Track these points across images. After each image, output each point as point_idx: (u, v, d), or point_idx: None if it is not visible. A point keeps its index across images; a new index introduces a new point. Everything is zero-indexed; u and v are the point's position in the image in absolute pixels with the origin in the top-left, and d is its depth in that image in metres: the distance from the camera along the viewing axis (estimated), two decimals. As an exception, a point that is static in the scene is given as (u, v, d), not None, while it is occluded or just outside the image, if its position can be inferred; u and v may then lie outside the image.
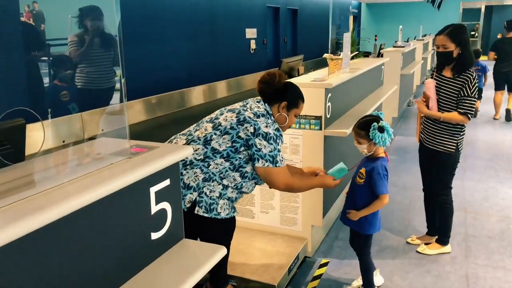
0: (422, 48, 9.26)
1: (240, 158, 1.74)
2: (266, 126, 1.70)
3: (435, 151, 2.73)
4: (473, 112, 2.59)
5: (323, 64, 3.92)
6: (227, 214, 1.76)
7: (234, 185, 1.78)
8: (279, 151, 1.75)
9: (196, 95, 5.10)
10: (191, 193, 1.68)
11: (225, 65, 6.80)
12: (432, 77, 2.76)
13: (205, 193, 1.69)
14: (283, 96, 1.83)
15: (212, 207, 1.70)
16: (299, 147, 2.75)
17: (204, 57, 5.60)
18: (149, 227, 1.22)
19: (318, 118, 2.63)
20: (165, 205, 1.27)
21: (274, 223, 2.91)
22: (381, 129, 2.07)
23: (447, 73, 2.67)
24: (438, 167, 2.75)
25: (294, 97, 1.87)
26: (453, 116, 2.59)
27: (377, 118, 2.15)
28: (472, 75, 2.57)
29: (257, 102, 1.83)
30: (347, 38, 3.20)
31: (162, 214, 1.26)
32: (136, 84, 4.23)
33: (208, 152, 1.71)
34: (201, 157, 1.72)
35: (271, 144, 1.71)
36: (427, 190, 2.95)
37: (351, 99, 3.40)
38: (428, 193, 2.93)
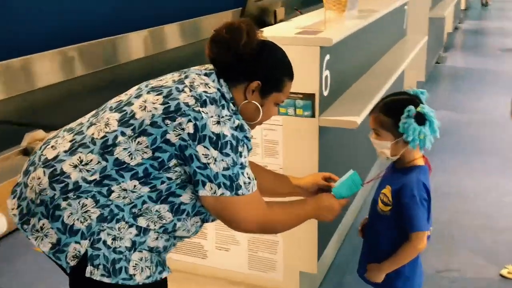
0: (457, -21, 9.49)
1: (169, 179, 1.59)
2: (218, 123, 1.58)
3: None
4: None
5: (315, 1, 3.81)
6: (149, 277, 1.63)
7: (161, 227, 1.64)
8: (242, 167, 1.61)
9: (133, 45, 4.99)
10: (77, 242, 1.57)
11: (172, 2, 6.57)
12: None
13: (104, 242, 1.57)
14: (254, 71, 1.70)
15: (117, 266, 1.58)
16: (277, 145, 2.59)
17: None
18: None
19: (309, 97, 2.46)
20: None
21: (238, 267, 2.84)
22: (421, 119, 1.95)
23: None
24: None
25: (274, 72, 1.73)
26: None
27: (414, 99, 2.04)
28: None
29: (206, 75, 1.70)
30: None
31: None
32: (39, 29, 4.04)
33: (109, 169, 1.58)
34: (96, 177, 1.57)
35: (228, 155, 1.57)
36: None
37: (360, 62, 3.32)
38: None
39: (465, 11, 13.48)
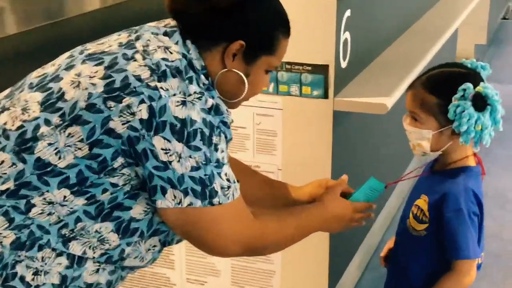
0: None
1: (114, 186, 1.52)
2: (184, 104, 1.46)
3: None
4: None
5: None
6: None
7: (103, 255, 1.55)
8: (219, 165, 1.51)
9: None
10: None
11: None
12: None
13: (21, 279, 1.48)
14: (234, 26, 1.58)
15: None
16: (275, 137, 2.45)
17: None
18: None
19: (321, 70, 2.34)
20: None
21: None
22: (481, 102, 1.86)
23: None
24: None
25: (264, 26, 1.61)
26: None
27: (472, 74, 1.95)
28: None
29: (166, 35, 1.58)
30: None
31: None
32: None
33: (28, 173, 1.49)
34: (9, 185, 1.50)
35: (198, 149, 1.46)
36: None
37: (396, 21, 3.23)
38: None
39: None
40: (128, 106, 1.45)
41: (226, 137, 1.55)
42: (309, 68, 2.32)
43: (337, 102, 2.34)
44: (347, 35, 2.40)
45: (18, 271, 1.46)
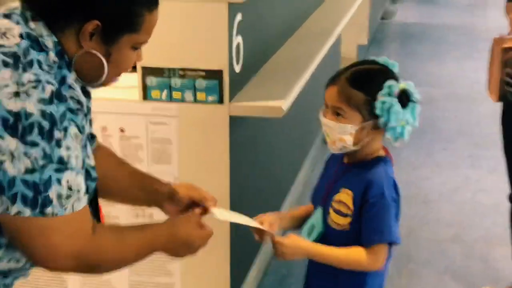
0: None
1: None
2: (17, 95, 1.36)
3: None
4: None
5: None
6: None
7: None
8: (62, 167, 1.41)
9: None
10: None
11: None
12: None
13: None
14: (85, 6, 1.47)
15: None
16: (171, 145, 2.42)
17: None
18: None
19: (215, 75, 2.34)
20: None
21: None
22: (406, 99, 1.91)
23: None
24: None
25: (119, 4, 1.51)
26: None
27: (386, 70, 1.99)
28: None
29: (5, 16, 1.48)
30: None
31: None
32: None
33: None
34: None
35: (34, 144, 1.35)
36: None
37: (283, 24, 3.20)
38: None
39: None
40: None
41: (78, 127, 1.45)
42: (203, 73, 2.28)
43: (232, 107, 2.32)
44: (239, 39, 2.37)
45: None
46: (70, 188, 1.37)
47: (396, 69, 1.98)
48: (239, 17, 2.34)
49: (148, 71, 2.31)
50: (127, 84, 2.32)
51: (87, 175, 1.50)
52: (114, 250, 1.56)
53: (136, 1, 1.48)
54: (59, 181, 1.36)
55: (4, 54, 1.35)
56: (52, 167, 1.35)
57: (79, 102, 1.43)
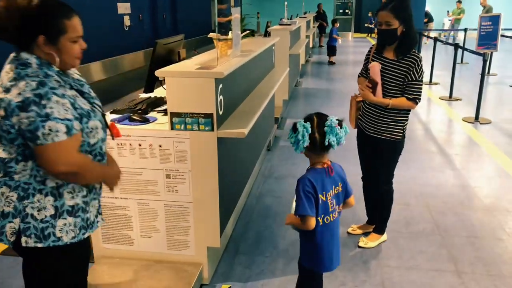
0: (306, 25, 9.58)
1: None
2: (19, 93, 1.40)
3: (380, 140, 2.65)
4: (420, 97, 2.51)
5: (206, 42, 3.60)
6: (74, 238, 1.53)
7: (63, 183, 1.50)
8: (46, 116, 1.39)
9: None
10: (11, 222, 1.48)
11: (96, 43, 6.29)
12: (369, 59, 2.67)
13: (32, 216, 1.48)
14: (31, 33, 1.45)
15: (46, 232, 1.48)
16: (186, 153, 2.41)
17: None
18: None
19: (209, 116, 2.33)
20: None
21: (159, 249, 2.60)
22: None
23: (389, 54, 2.57)
24: (383, 156, 2.69)
25: (51, 19, 1.45)
26: (402, 102, 2.52)
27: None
28: (418, 57, 2.51)
29: (9, 64, 1.47)
30: (236, 14, 2.68)
31: None
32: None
33: (1, 166, 1.49)
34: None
35: (32, 111, 1.38)
36: (369, 180, 2.92)
37: (244, 88, 3.17)
38: (370, 182, 2.91)
39: (312, 49, 13.84)
40: None
41: (58, 95, 1.41)
42: (202, 115, 2.31)
43: (219, 133, 2.36)
44: (221, 97, 2.43)
45: (29, 212, 1.46)
46: (50, 130, 1.40)
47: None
48: (220, 86, 2.39)
49: (173, 114, 2.30)
50: (163, 121, 2.49)
51: (88, 113, 1.49)
52: (87, 166, 1.53)
53: (56, 18, 1.45)
54: (43, 126, 1.39)
55: (11, 82, 1.41)
56: (41, 119, 1.39)
57: (58, 81, 1.43)
